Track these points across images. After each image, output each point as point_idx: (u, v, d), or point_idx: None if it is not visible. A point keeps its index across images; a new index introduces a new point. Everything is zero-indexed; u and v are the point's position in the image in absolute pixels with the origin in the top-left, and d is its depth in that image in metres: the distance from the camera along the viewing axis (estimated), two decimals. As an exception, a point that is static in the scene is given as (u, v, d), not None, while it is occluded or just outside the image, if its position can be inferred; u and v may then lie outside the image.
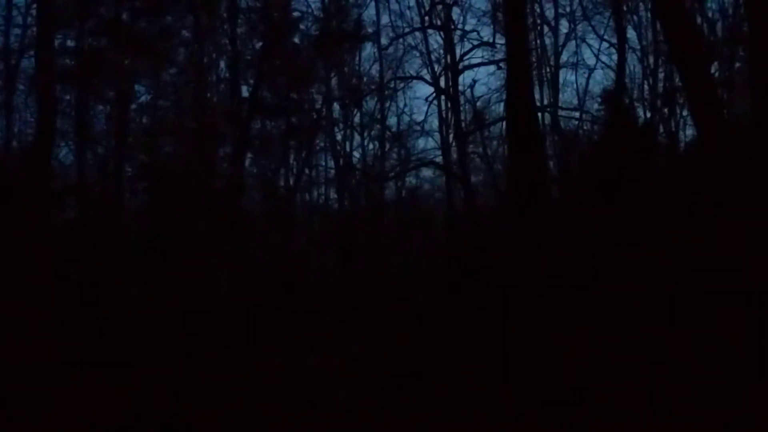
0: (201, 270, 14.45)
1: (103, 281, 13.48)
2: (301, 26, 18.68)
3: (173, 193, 14.14)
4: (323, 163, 20.61)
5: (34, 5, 13.88)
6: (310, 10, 19.30)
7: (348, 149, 20.77)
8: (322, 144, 19.91)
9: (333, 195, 21.29)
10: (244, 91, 17.12)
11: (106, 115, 15.38)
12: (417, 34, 21.29)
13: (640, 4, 17.93)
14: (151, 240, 14.76)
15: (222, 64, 17.15)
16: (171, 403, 8.22)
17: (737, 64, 16.62)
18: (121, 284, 13.53)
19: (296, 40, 18.57)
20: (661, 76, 18.02)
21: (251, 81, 17.01)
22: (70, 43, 14.89)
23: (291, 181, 18.48)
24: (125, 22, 14.99)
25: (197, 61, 15.87)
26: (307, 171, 19.36)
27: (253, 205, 17.75)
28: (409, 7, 21.59)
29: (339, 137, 20.43)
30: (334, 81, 20.20)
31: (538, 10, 20.51)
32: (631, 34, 18.54)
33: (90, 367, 9.57)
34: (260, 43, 17.29)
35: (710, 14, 17.88)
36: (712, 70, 17.19)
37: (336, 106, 20.23)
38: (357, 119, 21.12)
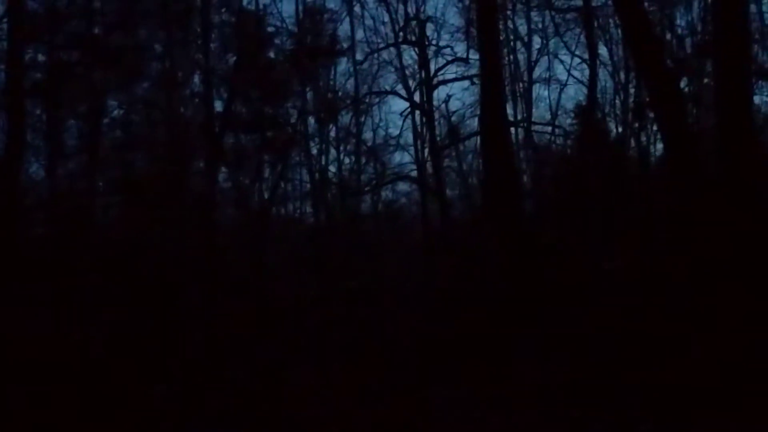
0: (173, 285, 14.31)
1: (74, 297, 13.29)
2: (276, 41, 18.76)
3: (145, 207, 14.01)
4: (299, 178, 20.59)
5: (4, 19, 13.75)
6: (284, 26, 19.41)
7: (324, 163, 20.81)
8: (297, 158, 19.88)
9: (309, 209, 21.31)
10: (219, 106, 17.11)
11: (77, 130, 15.22)
12: (391, 49, 21.52)
13: (611, 20, 18.21)
14: (123, 254, 14.60)
15: (195, 79, 17.12)
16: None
17: (705, 80, 16.89)
18: (90, 301, 13.33)
19: (271, 54, 18.63)
20: (632, 91, 18.29)
21: (225, 95, 16.99)
22: (41, 57, 14.75)
23: (266, 195, 18.41)
24: (97, 36, 14.90)
25: (170, 75, 15.81)
26: (282, 185, 19.29)
27: (227, 220, 17.65)
28: (383, 23, 21.74)
29: (314, 151, 20.47)
30: (309, 95, 20.27)
31: (511, 26, 20.83)
32: (602, 50, 18.86)
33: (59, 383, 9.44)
34: (234, 58, 17.29)
35: (679, 30, 18.22)
36: (682, 85, 17.51)
37: (311, 120, 20.30)
38: (332, 134, 21.20)
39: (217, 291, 14.86)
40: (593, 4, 17.84)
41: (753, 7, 16.96)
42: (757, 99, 16.80)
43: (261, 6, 18.88)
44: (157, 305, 13.95)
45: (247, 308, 15.43)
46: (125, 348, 11.75)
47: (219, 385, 10.23)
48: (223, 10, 17.59)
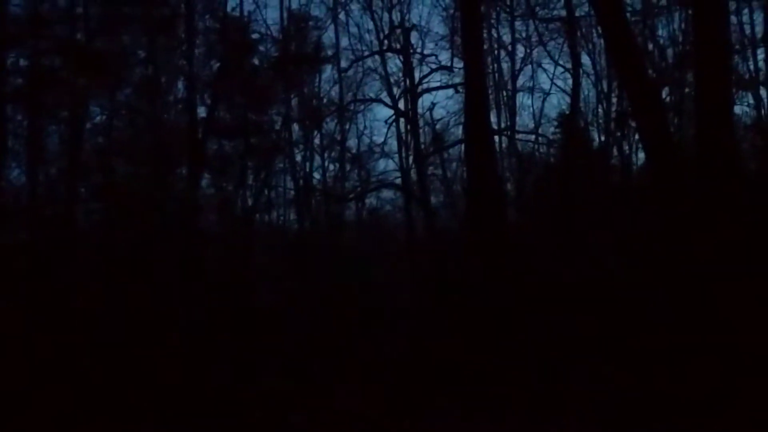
0: (156, 292, 14.20)
1: (54, 303, 13.14)
2: (261, 48, 18.75)
3: (128, 214, 13.91)
4: (283, 184, 20.56)
5: (-14, 24, 13.64)
6: (269, 32, 19.41)
7: (308, 170, 20.77)
8: (281, 165, 19.85)
9: (293, 216, 21.26)
10: (202, 112, 17.05)
11: (59, 135, 15.10)
12: (376, 57, 21.60)
13: (594, 30, 18.40)
14: (103, 261, 14.47)
15: (179, 85, 17.06)
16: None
17: (687, 90, 17.09)
18: (71, 307, 13.19)
19: (255, 61, 18.61)
20: (614, 100, 18.47)
21: (209, 101, 16.94)
22: (22, 62, 14.63)
23: (250, 202, 18.35)
24: (80, 42, 14.80)
25: (153, 81, 15.74)
26: (266, 192, 19.24)
27: (211, 226, 17.54)
28: (368, 31, 21.83)
29: (299, 158, 20.46)
30: (294, 102, 20.26)
31: (495, 35, 20.99)
32: (585, 59, 19.06)
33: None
34: (218, 64, 17.26)
35: (661, 41, 18.44)
36: (664, 95, 17.70)
37: (296, 127, 20.28)
38: (317, 140, 21.20)
39: (199, 297, 14.76)
40: (576, 14, 18.07)
41: (733, 18, 17.26)
42: (738, 109, 17.09)
43: (246, 13, 18.95)
44: (138, 311, 13.84)
45: (230, 314, 15.35)
46: (104, 353, 11.62)
47: (196, 392, 10.15)
48: (208, 16, 17.58)
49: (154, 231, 14.08)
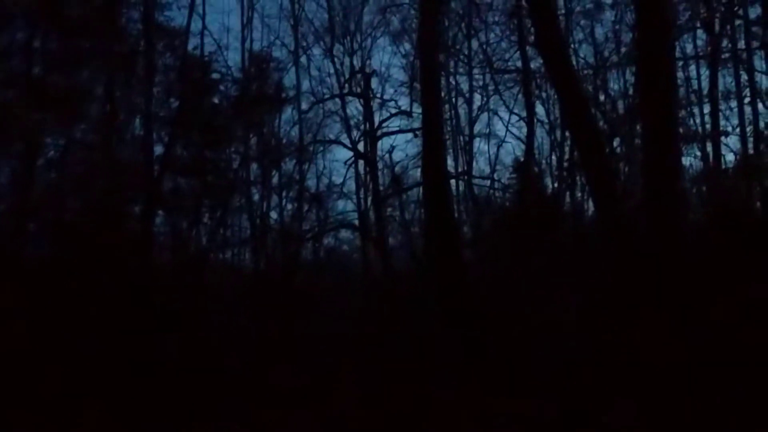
0: (105, 332, 13.87)
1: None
2: (221, 87, 18.77)
3: (77, 251, 13.63)
4: (239, 224, 20.42)
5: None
6: (229, 72, 19.50)
7: (265, 209, 20.71)
8: (238, 203, 19.73)
9: (248, 255, 21.09)
10: (159, 150, 16.93)
11: (10, 170, 14.78)
12: (336, 100, 21.86)
13: (547, 82, 18.94)
14: (53, 299, 14.10)
15: (136, 122, 16.94)
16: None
17: (637, 141, 17.64)
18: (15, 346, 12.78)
19: (215, 100, 18.61)
20: (567, 149, 18.95)
21: (166, 139, 16.84)
22: (-25, 94, 14.38)
23: (204, 241, 18.15)
24: (36, 76, 14.63)
25: (110, 117, 15.61)
26: (221, 230, 19.07)
27: (163, 265, 17.26)
28: (329, 74, 22.13)
29: (256, 197, 20.39)
30: (252, 141, 20.27)
31: (453, 82, 21.53)
32: (539, 109, 19.63)
33: None
34: (177, 103, 17.21)
35: (612, 93, 19.09)
36: (615, 145, 18.25)
37: (254, 166, 20.25)
38: (275, 180, 21.18)
39: (150, 337, 14.46)
40: (531, 66, 18.61)
41: (680, 74, 17.99)
42: (686, 161, 17.69)
43: (207, 53, 19.03)
44: (87, 350, 13.49)
45: (181, 355, 15.07)
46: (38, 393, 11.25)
47: None
48: (168, 54, 17.56)
49: (104, 270, 13.79)
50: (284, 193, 21.31)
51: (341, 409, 11.70)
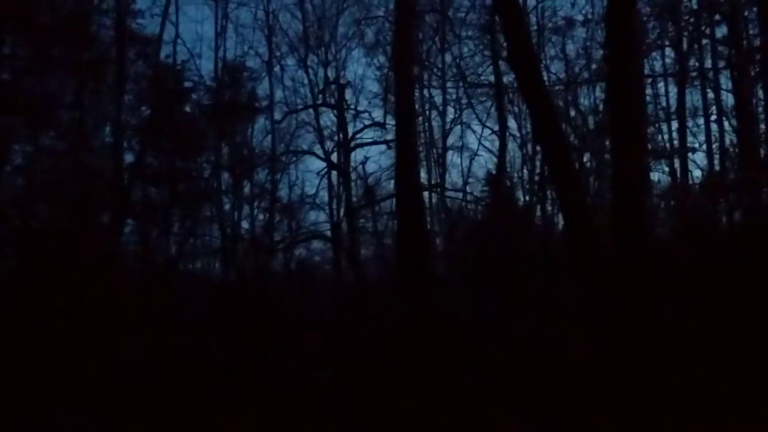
0: (71, 341, 13.63)
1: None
2: (193, 96, 18.68)
3: (42, 261, 13.39)
4: (209, 233, 20.24)
5: None
6: (202, 81, 19.40)
7: (236, 219, 20.56)
8: (208, 213, 19.58)
9: (218, 265, 20.90)
10: (130, 158, 16.76)
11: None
12: (310, 110, 21.87)
13: (520, 96, 19.14)
14: (18, 306, 13.84)
15: (106, 130, 16.76)
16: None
17: (606, 156, 17.88)
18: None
19: (187, 108, 18.49)
20: (538, 162, 19.14)
21: (137, 148, 16.68)
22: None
23: (173, 250, 17.95)
24: (5, 82, 14.41)
25: (79, 125, 15.41)
26: (191, 240, 18.88)
27: (131, 275, 17.02)
28: (303, 85, 22.15)
29: (227, 207, 20.25)
30: (224, 151, 20.15)
31: (426, 95, 21.65)
32: (511, 122, 19.85)
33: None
34: (148, 111, 17.07)
35: (583, 109, 19.35)
36: (585, 160, 18.48)
37: (225, 175, 20.13)
38: (247, 190, 21.07)
39: (117, 348, 14.24)
40: (504, 80, 18.83)
41: (649, 90, 18.33)
42: (655, 176, 17.98)
43: (179, 61, 18.93)
44: (53, 357, 13.25)
45: (148, 366, 14.84)
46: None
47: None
48: (141, 62, 17.43)
49: (71, 278, 13.56)
50: (256, 203, 21.22)
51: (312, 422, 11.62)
